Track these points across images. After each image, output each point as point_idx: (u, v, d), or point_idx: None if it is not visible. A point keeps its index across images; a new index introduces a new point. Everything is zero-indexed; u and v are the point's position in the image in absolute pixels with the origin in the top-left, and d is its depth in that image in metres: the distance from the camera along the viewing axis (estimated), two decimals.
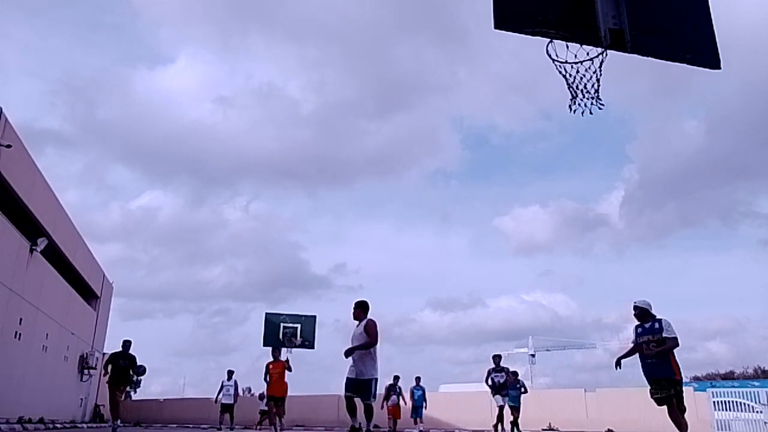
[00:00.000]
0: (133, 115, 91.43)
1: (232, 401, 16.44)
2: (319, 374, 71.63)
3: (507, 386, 12.93)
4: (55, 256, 17.59)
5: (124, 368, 11.84)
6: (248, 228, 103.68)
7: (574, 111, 3.78)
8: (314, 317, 22.77)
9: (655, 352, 6.66)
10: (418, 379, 16.16)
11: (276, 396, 12.31)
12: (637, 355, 7.04)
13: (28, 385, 15.74)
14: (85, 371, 22.71)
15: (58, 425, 16.41)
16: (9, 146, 12.22)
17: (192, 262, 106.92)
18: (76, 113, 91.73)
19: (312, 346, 22.42)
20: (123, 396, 12.42)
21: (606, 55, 3.59)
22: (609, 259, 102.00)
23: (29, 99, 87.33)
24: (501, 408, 12.80)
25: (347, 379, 6.97)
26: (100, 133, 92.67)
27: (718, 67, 3.71)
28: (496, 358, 13.16)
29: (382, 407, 15.40)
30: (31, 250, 15.08)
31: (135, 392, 49.09)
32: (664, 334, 6.64)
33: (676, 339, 6.69)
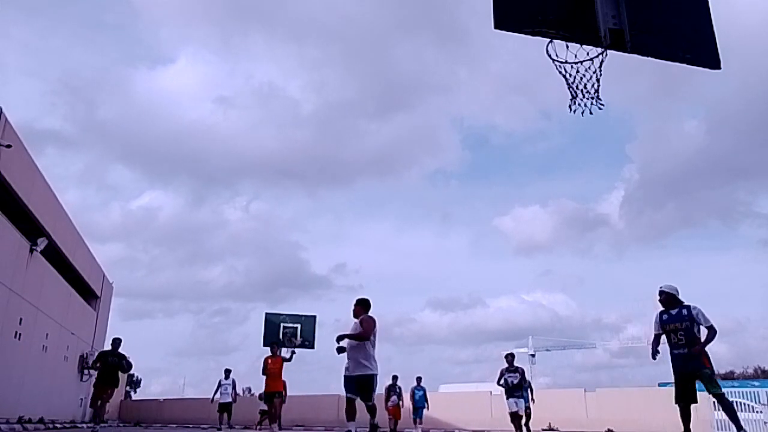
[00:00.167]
0: (133, 115, 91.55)
1: (229, 400, 16.41)
2: (319, 374, 71.78)
3: (522, 387, 12.15)
4: (55, 256, 17.58)
5: (113, 366, 11.40)
6: (248, 228, 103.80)
7: (574, 111, 3.78)
8: (314, 317, 22.81)
9: (699, 348, 6.03)
10: (419, 379, 16.09)
11: (273, 391, 12.16)
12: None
13: (28, 385, 15.74)
14: (85, 371, 22.69)
15: (58, 425, 16.41)
16: (9, 146, 12.21)
17: (192, 262, 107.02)
18: (77, 113, 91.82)
19: (312, 346, 22.44)
20: (109, 398, 11.69)
21: (606, 55, 3.59)
22: (609, 259, 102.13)
23: (29, 99, 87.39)
24: (513, 414, 11.92)
25: (345, 377, 6.82)
26: (101, 133, 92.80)
27: (718, 67, 3.71)
28: (509, 357, 12.45)
29: (383, 407, 15.39)
30: (31, 250, 15.08)
31: (135, 392, 49.21)
32: (701, 325, 6.06)
33: (713, 327, 6.10)
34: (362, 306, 7.19)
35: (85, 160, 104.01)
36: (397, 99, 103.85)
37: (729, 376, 51.67)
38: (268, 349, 12.94)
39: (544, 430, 18.83)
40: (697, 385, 6.26)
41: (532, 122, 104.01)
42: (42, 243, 15.42)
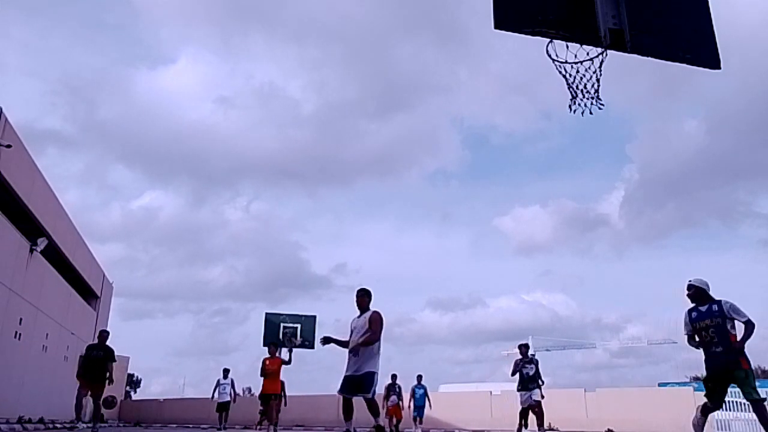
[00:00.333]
0: (133, 115, 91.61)
1: (228, 399, 16.39)
2: (319, 374, 71.86)
3: (537, 379, 11.34)
4: (55, 256, 17.58)
5: (98, 359, 10.53)
6: (248, 228, 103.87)
7: (574, 111, 3.78)
8: (314, 317, 22.81)
9: (739, 343, 5.51)
10: (419, 377, 16.03)
11: (271, 393, 11.92)
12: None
13: (28, 385, 15.74)
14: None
15: (58, 425, 16.38)
16: (9, 146, 12.21)
17: (192, 262, 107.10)
18: (77, 113, 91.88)
19: (312, 346, 22.43)
20: (101, 396, 10.87)
21: (606, 55, 3.59)
22: (609, 259, 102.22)
23: (30, 99, 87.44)
24: (525, 410, 11.33)
25: (344, 377, 6.50)
26: (101, 133, 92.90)
27: (718, 67, 3.71)
28: (524, 348, 11.79)
29: (383, 407, 15.35)
30: (31, 250, 15.08)
31: (135, 392, 49.22)
32: (735, 320, 5.57)
33: (751, 321, 5.56)
34: (368, 297, 6.78)
35: (85, 160, 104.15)
36: (398, 99, 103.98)
37: None
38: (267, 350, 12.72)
39: (544, 430, 18.81)
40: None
41: (533, 122, 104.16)
42: (42, 243, 15.42)
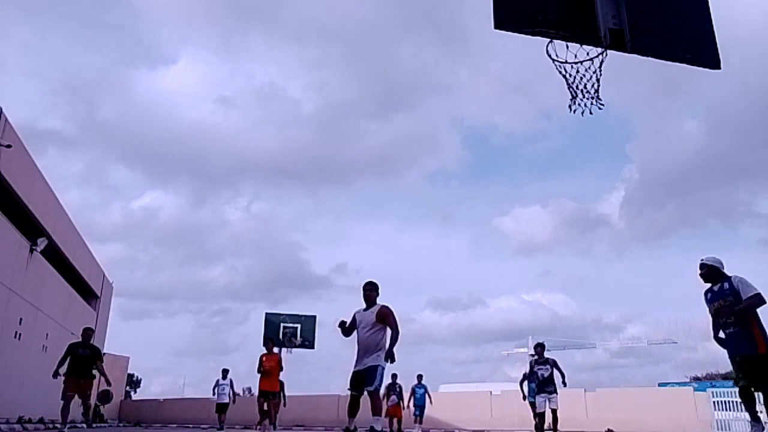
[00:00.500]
0: (134, 115, 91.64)
1: (226, 400, 16.37)
2: (319, 374, 71.84)
3: (553, 381, 10.56)
4: (55, 256, 17.58)
5: (84, 358, 10.03)
6: (249, 228, 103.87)
7: (574, 111, 3.78)
8: (314, 317, 22.83)
9: (732, 310, 5.20)
10: (419, 377, 16.00)
11: (268, 391, 11.49)
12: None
13: (28, 385, 15.74)
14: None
15: (58, 425, 16.39)
16: (9, 146, 12.21)
17: (192, 262, 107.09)
18: (77, 113, 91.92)
19: (312, 346, 22.46)
20: (89, 396, 10.30)
21: (606, 55, 3.59)
22: (609, 259, 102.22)
23: (30, 99, 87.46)
24: (542, 414, 10.56)
25: (352, 373, 6.26)
26: (101, 133, 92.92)
27: (718, 67, 3.71)
28: (539, 348, 11.04)
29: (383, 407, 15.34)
30: (31, 250, 15.08)
31: (135, 392, 49.20)
32: (741, 295, 5.18)
33: (759, 295, 5.15)
34: (377, 290, 6.52)
35: (85, 160, 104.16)
36: (398, 99, 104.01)
37: (729, 376, 51.66)
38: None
39: (543, 430, 18.82)
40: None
41: (533, 122, 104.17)
42: (42, 243, 15.43)
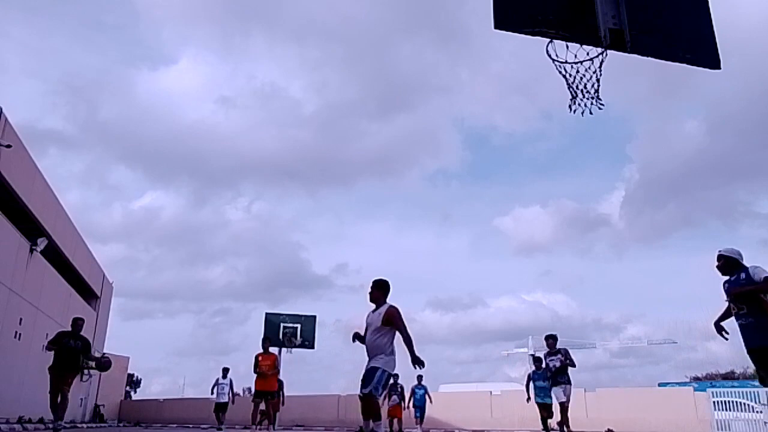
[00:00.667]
0: (134, 115, 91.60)
1: (226, 400, 16.34)
2: (319, 374, 71.67)
3: (566, 372, 10.30)
4: (55, 256, 17.59)
5: (74, 350, 9.47)
6: (249, 228, 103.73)
7: (574, 111, 3.78)
8: (314, 317, 22.82)
9: (742, 291, 5.08)
10: (419, 377, 15.99)
11: (265, 391, 11.29)
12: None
13: (28, 385, 15.73)
14: (85, 371, 22.67)
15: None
16: (9, 146, 12.22)
17: (193, 262, 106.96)
18: (78, 114, 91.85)
19: (312, 346, 22.45)
20: (69, 390, 9.57)
21: (606, 55, 3.59)
22: (609, 259, 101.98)
23: (31, 99, 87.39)
24: (562, 404, 10.23)
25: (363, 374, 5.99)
26: (102, 133, 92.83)
27: (718, 67, 3.71)
28: (550, 339, 10.73)
29: (381, 404, 15.31)
30: (31, 250, 15.09)
31: (135, 392, 49.19)
32: (755, 280, 5.01)
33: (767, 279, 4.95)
34: (381, 290, 6.11)
35: (86, 160, 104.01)
36: (398, 99, 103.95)
37: (729, 376, 51.68)
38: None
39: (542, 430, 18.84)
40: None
41: (533, 122, 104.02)
42: (42, 243, 15.43)
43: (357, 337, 6.11)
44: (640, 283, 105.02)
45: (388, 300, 6.10)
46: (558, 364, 10.32)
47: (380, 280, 6.20)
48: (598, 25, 3.51)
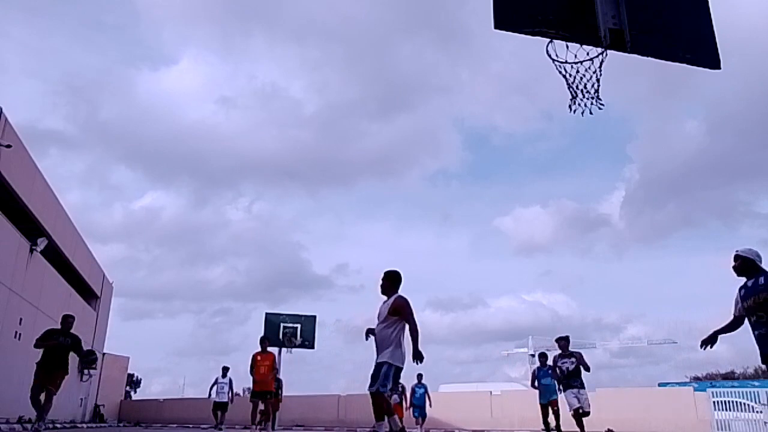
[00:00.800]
0: (135, 115, 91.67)
1: (225, 399, 16.30)
2: (319, 374, 71.71)
3: (580, 374, 9.79)
4: (55, 256, 17.59)
5: (63, 347, 9.11)
6: (250, 228, 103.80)
7: (574, 111, 3.78)
8: (314, 317, 22.81)
9: (760, 301, 4.64)
10: (419, 376, 15.95)
11: (263, 391, 11.20)
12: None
13: (28, 385, 15.67)
14: (85, 371, 22.71)
15: (58, 425, 16.41)
16: (9, 146, 12.22)
17: (193, 262, 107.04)
18: (79, 114, 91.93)
19: (312, 346, 22.45)
20: (57, 391, 9.21)
21: (606, 55, 3.59)
22: (609, 259, 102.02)
23: (31, 100, 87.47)
24: (577, 410, 9.67)
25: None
26: (103, 133, 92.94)
27: (718, 68, 3.71)
28: (562, 341, 10.23)
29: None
30: (31, 250, 15.09)
31: (135, 392, 49.18)
32: None
33: None
34: (391, 281, 5.95)
35: (87, 160, 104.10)
36: (399, 100, 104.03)
37: (729, 376, 51.70)
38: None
39: (543, 430, 18.84)
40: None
41: (533, 123, 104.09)
42: (42, 243, 15.43)
43: (369, 332, 5.99)
44: (640, 283, 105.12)
45: (399, 292, 5.95)
46: (571, 367, 9.84)
47: (391, 270, 6.07)
48: (598, 25, 3.52)
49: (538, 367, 11.43)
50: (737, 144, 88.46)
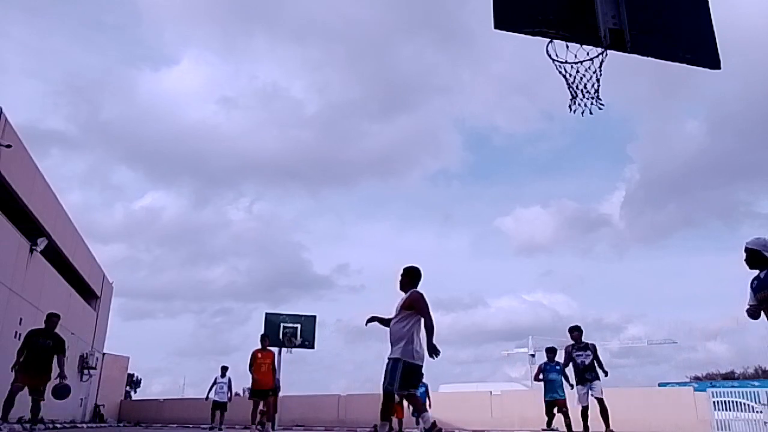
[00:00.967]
0: (136, 115, 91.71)
1: (225, 399, 16.23)
2: (319, 374, 71.70)
3: (595, 368, 9.29)
4: (55, 256, 17.58)
5: (45, 348, 8.72)
6: (251, 228, 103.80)
7: (574, 111, 3.78)
8: (314, 317, 22.78)
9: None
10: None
11: (263, 389, 11.14)
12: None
13: None
14: (85, 371, 22.71)
15: (58, 425, 16.39)
16: (9, 146, 12.21)
17: (194, 262, 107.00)
18: (80, 114, 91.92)
19: (312, 346, 22.42)
20: (43, 393, 8.99)
21: (606, 55, 3.59)
22: (610, 259, 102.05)
23: (32, 100, 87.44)
24: (585, 408, 9.24)
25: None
26: (104, 133, 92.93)
27: (718, 67, 3.71)
28: (576, 332, 9.69)
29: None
30: (31, 250, 15.08)
31: (135, 392, 49.17)
32: None
33: None
34: (409, 277, 5.95)
35: (88, 160, 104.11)
36: (400, 100, 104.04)
37: (729, 376, 51.72)
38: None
39: (543, 430, 18.83)
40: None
41: (534, 123, 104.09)
42: (42, 243, 15.42)
43: (371, 320, 6.00)
44: (640, 283, 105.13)
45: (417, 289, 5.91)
46: (587, 361, 9.29)
47: (410, 266, 6.08)
48: (598, 25, 3.51)
49: (545, 362, 10.95)
50: (738, 144, 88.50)
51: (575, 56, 3.64)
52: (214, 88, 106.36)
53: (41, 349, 8.73)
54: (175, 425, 25.48)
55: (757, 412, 16.56)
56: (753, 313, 4.78)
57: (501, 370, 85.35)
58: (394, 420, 15.08)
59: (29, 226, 15.09)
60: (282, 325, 21.89)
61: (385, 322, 5.93)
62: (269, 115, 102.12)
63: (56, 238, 17.04)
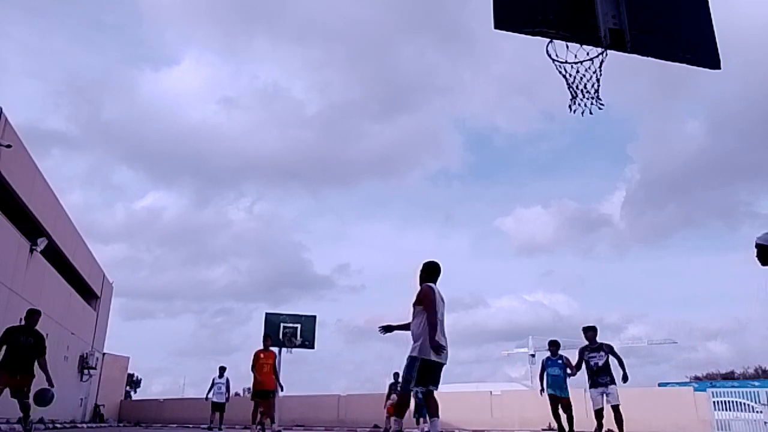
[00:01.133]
0: (137, 116, 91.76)
1: (223, 400, 16.19)
2: (319, 374, 71.80)
3: (609, 370, 8.95)
4: (55, 256, 17.59)
5: (25, 347, 8.22)
6: (251, 228, 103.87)
7: (574, 111, 3.77)
8: (314, 317, 22.76)
9: None
10: None
11: (265, 390, 11.04)
12: None
13: None
14: (85, 371, 22.72)
15: (58, 425, 16.40)
16: (9, 146, 12.21)
17: (195, 262, 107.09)
18: (81, 114, 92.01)
19: (312, 346, 22.40)
20: (29, 393, 8.70)
21: (606, 55, 3.59)
22: (610, 259, 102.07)
23: (33, 100, 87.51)
24: (600, 410, 8.88)
25: None
26: (105, 134, 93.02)
27: (718, 68, 3.71)
28: (590, 332, 9.36)
29: (384, 406, 15.33)
30: (31, 250, 15.08)
31: (135, 392, 49.19)
32: None
33: None
34: (427, 272, 5.79)
35: (89, 161, 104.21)
36: (401, 100, 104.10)
37: (729, 376, 51.71)
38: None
39: (544, 430, 18.83)
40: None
41: (534, 123, 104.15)
42: (42, 243, 15.42)
43: (391, 328, 5.98)
44: (641, 283, 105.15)
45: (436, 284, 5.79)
46: (600, 362, 8.95)
47: (428, 261, 5.91)
48: (598, 25, 3.51)
49: (547, 357, 10.62)
50: (738, 144, 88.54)
51: (575, 56, 3.64)
52: (215, 88, 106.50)
53: (22, 348, 8.24)
54: (175, 425, 25.49)
55: (757, 412, 16.56)
56: None
57: (501, 370, 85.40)
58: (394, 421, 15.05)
59: (29, 226, 15.09)
60: (282, 325, 21.87)
61: (403, 327, 5.85)
62: (270, 115, 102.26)
63: (56, 238, 17.05)
